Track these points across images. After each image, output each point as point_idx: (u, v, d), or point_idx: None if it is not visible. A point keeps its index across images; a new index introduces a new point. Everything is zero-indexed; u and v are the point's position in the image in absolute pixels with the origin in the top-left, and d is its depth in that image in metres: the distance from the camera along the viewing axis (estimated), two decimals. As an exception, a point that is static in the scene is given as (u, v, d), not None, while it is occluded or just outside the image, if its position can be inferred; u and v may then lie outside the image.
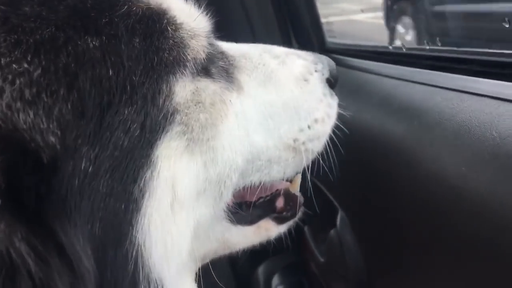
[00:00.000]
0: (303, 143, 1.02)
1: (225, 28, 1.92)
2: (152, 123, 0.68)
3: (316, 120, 1.05)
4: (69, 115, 0.60)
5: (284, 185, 1.12)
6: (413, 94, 1.27)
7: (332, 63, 1.15)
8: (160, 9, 0.76)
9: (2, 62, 0.57)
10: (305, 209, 1.20)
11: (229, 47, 1.02)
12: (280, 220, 1.11)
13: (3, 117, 0.55)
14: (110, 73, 0.64)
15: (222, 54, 0.96)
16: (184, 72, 0.77)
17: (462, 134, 1.02)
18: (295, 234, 2.10)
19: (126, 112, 0.65)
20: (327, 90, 1.10)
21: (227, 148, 0.84)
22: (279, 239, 2.45)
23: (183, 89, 0.76)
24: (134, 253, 0.66)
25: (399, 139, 1.22)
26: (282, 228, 1.12)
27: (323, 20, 2.06)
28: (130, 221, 0.66)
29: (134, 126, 0.66)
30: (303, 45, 2.15)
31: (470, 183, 0.96)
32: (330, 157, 1.13)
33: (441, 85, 1.21)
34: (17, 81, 0.57)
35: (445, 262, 1.07)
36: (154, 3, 0.75)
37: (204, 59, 0.83)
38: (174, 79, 0.74)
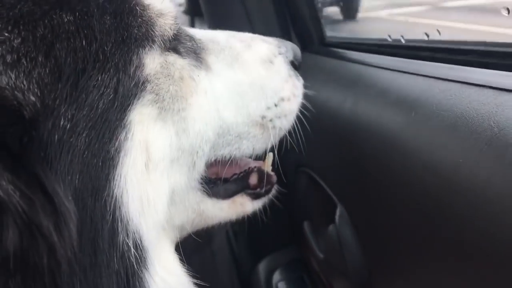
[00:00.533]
0: (271, 120, 1.10)
1: (224, 24, 1.92)
2: (124, 89, 0.77)
3: (282, 99, 1.12)
4: (47, 78, 0.68)
5: (257, 163, 1.19)
6: (411, 86, 1.26)
7: (296, 47, 1.24)
8: None
9: None
10: (279, 187, 1.26)
11: (196, 32, 1.10)
12: (254, 196, 1.17)
13: None
14: (84, 44, 0.72)
15: (190, 37, 1.03)
16: (153, 46, 0.85)
17: (460, 125, 1.00)
18: (295, 231, 2.10)
19: (99, 78, 0.73)
20: (292, 71, 1.18)
21: (198, 120, 0.92)
22: (281, 235, 2.45)
23: (153, 61, 0.84)
24: (112, 205, 0.73)
25: (397, 131, 1.20)
26: (257, 204, 1.18)
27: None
28: (107, 175, 0.73)
29: (108, 90, 0.74)
30: (303, 39, 2.15)
31: (467, 173, 0.94)
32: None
33: (439, 76, 1.19)
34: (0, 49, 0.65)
35: (444, 254, 1.06)
36: None
37: (171, 36, 0.91)
38: (144, 52, 0.83)
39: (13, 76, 0.65)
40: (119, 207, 0.74)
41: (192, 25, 3.50)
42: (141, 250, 0.78)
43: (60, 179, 0.66)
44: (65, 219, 0.64)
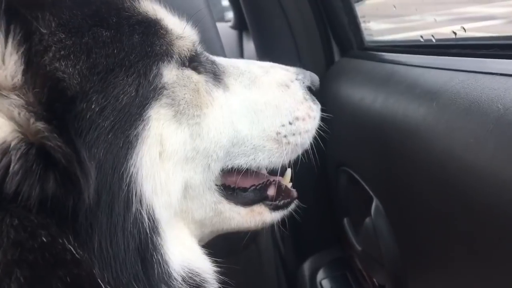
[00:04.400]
0: (285, 136, 1.22)
1: (267, 34, 2.04)
2: (144, 91, 0.93)
3: (297, 118, 1.25)
4: (86, 72, 0.86)
5: (276, 178, 1.29)
6: (435, 79, 1.33)
7: (314, 75, 1.37)
8: (156, 18, 1.03)
9: (53, 30, 0.86)
10: (299, 202, 1.34)
11: (220, 59, 1.25)
12: (273, 207, 1.28)
13: (50, 63, 0.83)
14: (114, 52, 0.91)
15: (212, 62, 1.19)
16: (171, 61, 1.01)
17: (473, 109, 1.08)
18: (337, 229, 2.17)
19: (124, 78, 0.91)
20: (308, 95, 1.31)
21: (212, 128, 1.06)
22: (324, 236, 2.51)
23: (170, 72, 1.01)
24: (128, 178, 0.88)
25: (420, 121, 1.27)
26: (276, 215, 1.28)
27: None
28: (126, 155, 0.88)
29: (130, 89, 0.91)
30: (342, 45, 2.23)
31: (475, 152, 1.02)
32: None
33: (459, 68, 1.27)
34: (58, 44, 0.85)
35: (473, 240, 1.10)
36: (151, 13, 1.03)
37: (188, 55, 1.08)
38: (163, 64, 0.99)
39: (64, 64, 0.84)
40: (134, 182, 0.89)
41: (240, 39, 3.63)
42: (153, 220, 0.92)
43: (87, 147, 0.83)
44: (88, 177, 0.80)
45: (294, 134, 1.23)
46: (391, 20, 2.36)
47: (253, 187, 1.26)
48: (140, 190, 0.90)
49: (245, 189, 1.24)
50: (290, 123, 1.23)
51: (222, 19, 4.51)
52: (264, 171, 1.29)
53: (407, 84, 1.43)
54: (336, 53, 2.28)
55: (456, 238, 1.17)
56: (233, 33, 3.82)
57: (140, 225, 0.89)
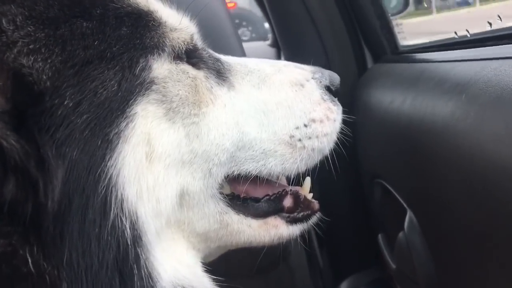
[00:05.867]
0: (300, 140, 1.10)
1: (298, 44, 1.96)
2: (128, 85, 0.85)
3: (313, 120, 1.13)
4: (59, 65, 0.79)
5: (293, 187, 1.18)
6: (466, 71, 1.23)
7: (334, 74, 1.25)
8: (148, 9, 0.96)
9: (19, 25, 0.79)
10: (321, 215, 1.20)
11: (226, 57, 1.16)
12: (290, 220, 1.14)
13: (15, 59, 0.76)
14: (94, 44, 0.84)
15: (216, 59, 1.11)
16: (162, 54, 0.93)
17: (505, 96, 0.99)
18: (376, 248, 2.04)
19: (105, 71, 0.83)
20: (327, 95, 1.18)
21: (212, 129, 0.97)
22: (364, 255, 2.38)
23: (161, 66, 0.92)
24: (106, 180, 0.79)
25: (448, 118, 1.17)
26: (294, 229, 1.15)
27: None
28: (103, 154, 0.80)
29: (111, 82, 0.83)
30: (375, 51, 2.14)
31: (507, 145, 0.88)
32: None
33: (492, 56, 1.17)
34: (26, 38, 0.78)
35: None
36: (142, 5, 0.95)
37: (183, 49, 0.99)
38: (152, 57, 0.91)
39: (32, 59, 0.77)
40: (114, 185, 0.80)
41: (278, 56, 3.63)
42: (137, 229, 0.83)
43: (55, 145, 0.75)
44: (51, 177, 0.72)
45: (310, 138, 1.11)
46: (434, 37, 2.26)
47: (267, 197, 1.13)
48: (122, 195, 0.81)
49: (257, 199, 1.12)
50: (305, 126, 1.11)
51: (265, 39, 4.55)
52: (284, 180, 1.17)
53: (437, 80, 1.34)
54: (369, 60, 2.18)
55: (495, 250, 1.04)
56: (272, 51, 3.82)
57: (120, 234, 0.80)
